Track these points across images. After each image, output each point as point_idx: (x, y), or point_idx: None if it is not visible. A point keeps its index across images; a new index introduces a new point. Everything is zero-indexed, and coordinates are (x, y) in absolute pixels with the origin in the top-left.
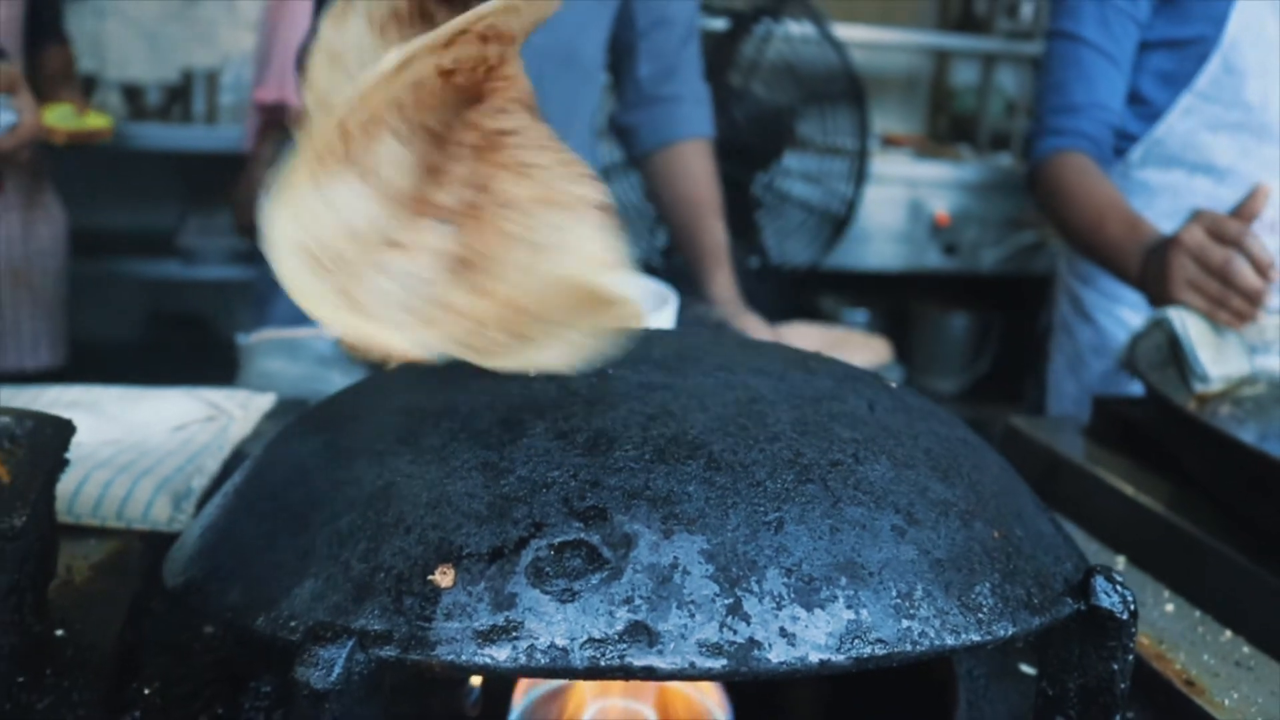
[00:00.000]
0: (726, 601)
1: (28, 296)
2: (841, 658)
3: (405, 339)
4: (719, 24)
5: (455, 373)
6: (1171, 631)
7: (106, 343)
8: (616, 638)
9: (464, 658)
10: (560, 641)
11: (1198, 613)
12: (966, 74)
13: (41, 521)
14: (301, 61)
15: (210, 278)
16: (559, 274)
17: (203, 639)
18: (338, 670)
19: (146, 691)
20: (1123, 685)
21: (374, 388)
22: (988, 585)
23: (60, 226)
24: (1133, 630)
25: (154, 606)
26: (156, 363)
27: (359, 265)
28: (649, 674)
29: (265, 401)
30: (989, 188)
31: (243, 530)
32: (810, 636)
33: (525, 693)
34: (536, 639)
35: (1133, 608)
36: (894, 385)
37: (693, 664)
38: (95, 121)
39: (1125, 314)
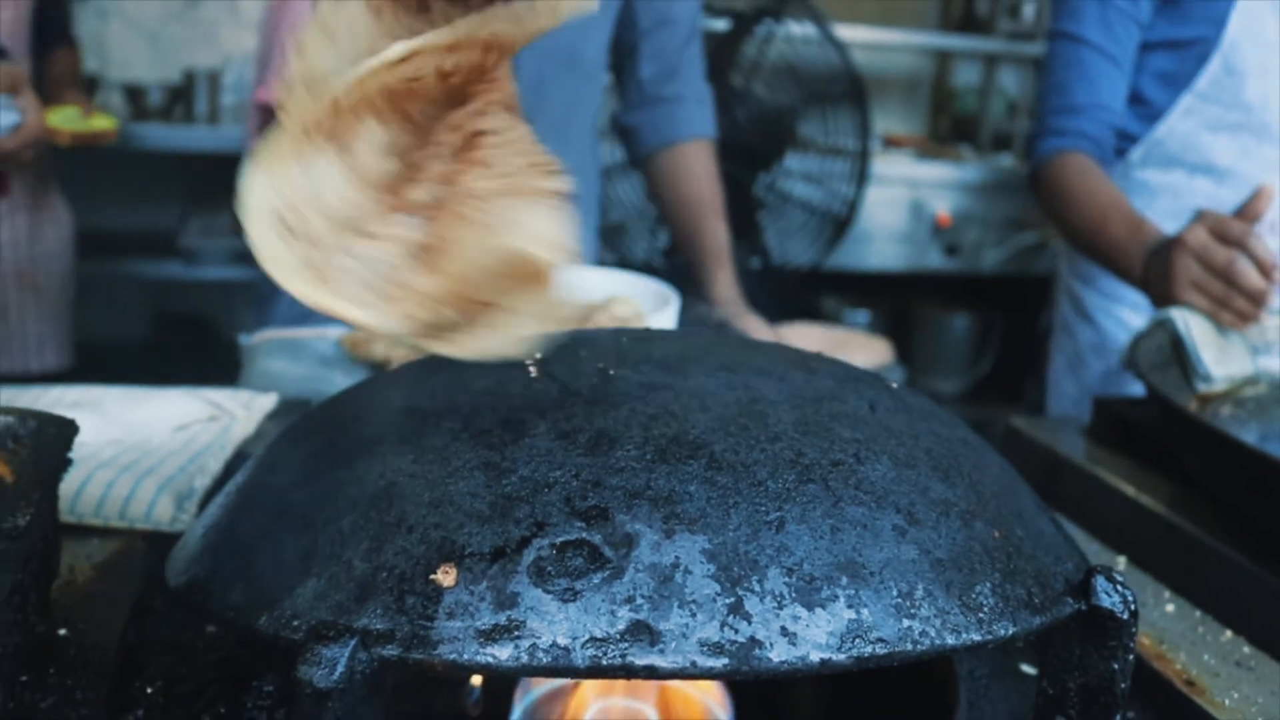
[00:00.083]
0: (728, 601)
1: (33, 298)
2: (842, 657)
3: (365, 315)
4: (720, 24)
5: (457, 373)
6: (1172, 631)
7: (109, 343)
8: (618, 637)
9: (466, 657)
10: (562, 640)
11: (1198, 613)
12: (968, 74)
13: (45, 521)
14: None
15: (212, 278)
16: (503, 247)
17: (205, 638)
18: (340, 669)
19: (149, 691)
20: (1123, 685)
21: (376, 388)
22: (988, 585)
23: (66, 228)
24: (1133, 630)
25: (157, 606)
26: (159, 363)
27: (328, 241)
28: (650, 673)
29: (267, 402)
30: (990, 188)
31: (245, 530)
32: (811, 636)
33: (527, 692)
34: (538, 638)
35: (1133, 607)
36: (895, 386)
37: (694, 663)
38: (101, 123)
39: (1125, 314)
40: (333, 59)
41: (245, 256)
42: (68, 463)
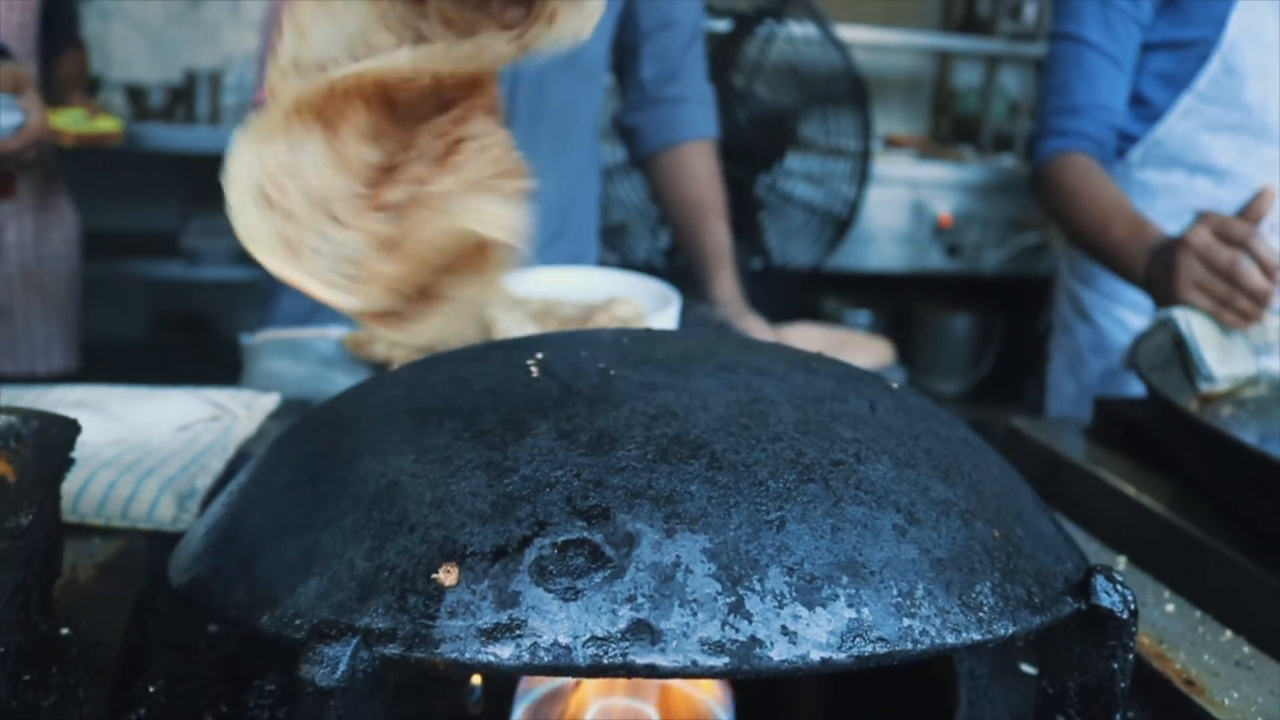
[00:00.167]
0: (728, 600)
1: (40, 300)
2: (843, 656)
3: (327, 294)
4: (722, 25)
5: (458, 373)
6: (1172, 631)
7: (111, 343)
8: (619, 636)
9: (468, 655)
10: (563, 639)
11: (1198, 613)
12: (969, 75)
13: (47, 520)
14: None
15: (214, 278)
16: (455, 228)
17: (207, 637)
18: (342, 668)
19: (151, 690)
20: (1123, 684)
21: (377, 388)
22: (988, 584)
23: (73, 230)
24: (1133, 629)
25: (159, 605)
26: (160, 363)
27: (303, 219)
28: (651, 672)
29: (269, 401)
30: (991, 189)
31: (247, 529)
32: (812, 635)
33: (528, 692)
34: (539, 637)
35: (1133, 607)
36: (895, 386)
37: (695, 662)
38: (106, 125)
39: (1124, 314)
40: (326, 42)
41: (247, 257)
42: (70, 462)
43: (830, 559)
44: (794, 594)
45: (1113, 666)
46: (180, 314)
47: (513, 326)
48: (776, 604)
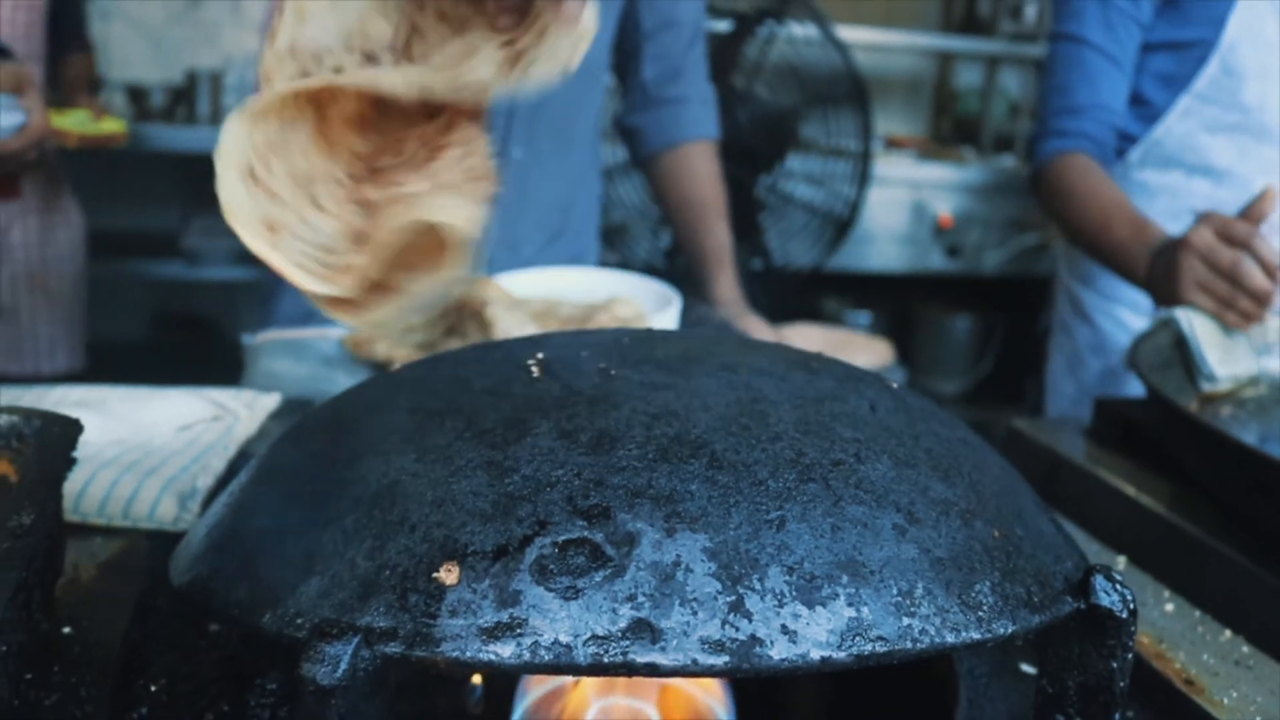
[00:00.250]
0: (729, 599)
1: (45, 301)
2: (842, 655)
3: (298, 276)
4: (722, 26)
5: (459, 373)
6: (1171, 631)
7: (112, 343)
8: (620, 634)
9: (468, 654)
10: (564, 638)
11: (1197, 612)
12: (970, 76)
13: (49, 520)
14: None
15: (215, 278)
16: (415, 220)
17: (208, 636)
18: (343, 666)
19: (153, 689)
20: (1122, 683)
21: (378, 388)
22: (988, 584)
23: (78, 231)
24: (1132, 629)
25: (160, 605)
26: (161, 363)
27: (286, 200)
28: (652, 670)
29: (270, 401)
30: (992, 190)
31: (248, 529)
32: (811, 634)
33: (528, 691)
34: (540, 635)
35: (1132, 606)
36: (895, 386)
37: (695, 660)
38: (110, 126)
39: (1123, 314)
40: (323, 29)
41: (248, 257)
42: (72, 462)
43: (830, 558)
44: (794, 593)
45: (1112, 666)
46: (181, 314)
47: (513, 326)
48: (776, 603)
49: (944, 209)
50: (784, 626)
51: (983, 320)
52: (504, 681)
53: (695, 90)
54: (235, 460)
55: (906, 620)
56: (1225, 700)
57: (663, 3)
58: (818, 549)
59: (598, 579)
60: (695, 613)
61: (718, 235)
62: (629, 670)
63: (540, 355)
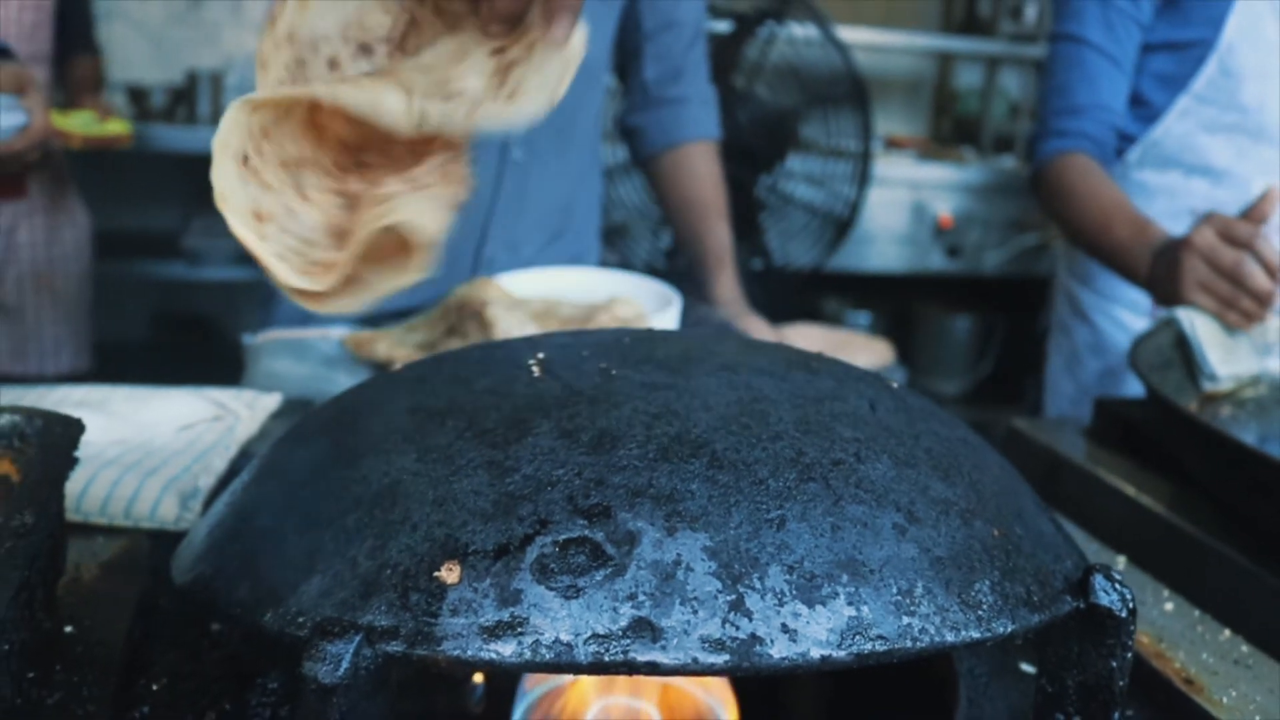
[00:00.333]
0: (729, 598)
1: (50, 301)
2: (842, 654)
3: (278, 268)
4: (723, 26)
5: (460, 373)
6: (1171, 630)
7: (113, 343)
8: (620, 633)
9: (469, 653)
10: (565, 637)
11: (1197, 612)
12: (970, 76)
13: (51, 519)
14: None
15: (215, 279)
16: (386, 219)
17: (210, 635)
18: (345, 665)
19: (155, 688)
20: (1122, 683)
21: (379, 388)
22: (988, 583)
23: (84, 231)
24: (1131, 628)
25: (162, 604)
26: (162, 363)
27: (276, 189)
28: (652, 669)
29: (271, 401)
30: (992, 190)
31: (250, 528)
32: (812, 633)
33: (529, 690)
34: (541, 634)
35: (1131, 605)
36: (895, 386)
37: (695, 659)
38: (115, 127)
39: (1122, 314)
40: (323, 18)
41: (248, 257)
42: (74, 462)
43: (830, 557)
44: (794, 592)
45: (1111, 665)
46: (182, 314)
47: (513, 326)
48: (777, 602)
49: (944, 209)
50: (784, 625)
51: (983, 320)
52: (505, 680)
53: (696, 90)
54: (237, 460)
55: (906, 619)
56: (1224, 699)
57: (664, 3)
58: (818, 548)
59: (598, 578)
60: (696, 611)
61: (718, 235)
62: (630, 669)
63: (541, 355)
